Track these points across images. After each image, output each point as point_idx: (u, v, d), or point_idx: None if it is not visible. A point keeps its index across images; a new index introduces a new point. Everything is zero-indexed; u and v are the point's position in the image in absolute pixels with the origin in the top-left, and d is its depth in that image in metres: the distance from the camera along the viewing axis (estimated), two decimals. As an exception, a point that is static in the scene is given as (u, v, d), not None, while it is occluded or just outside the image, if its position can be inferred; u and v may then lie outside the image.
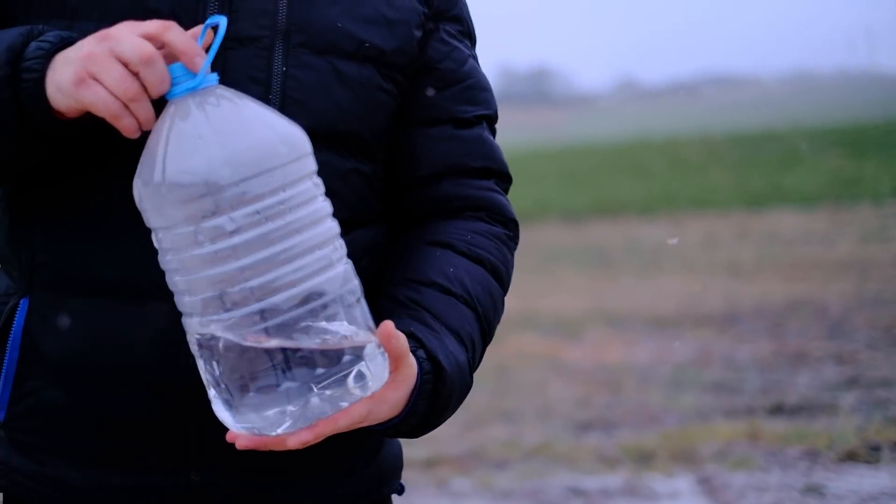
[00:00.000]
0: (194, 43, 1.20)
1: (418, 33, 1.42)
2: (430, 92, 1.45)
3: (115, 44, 1.19)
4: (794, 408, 5.31)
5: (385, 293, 1.38)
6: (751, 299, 8.23)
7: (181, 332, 1.23)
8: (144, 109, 1.20)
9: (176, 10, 1.30)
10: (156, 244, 1.20)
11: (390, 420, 1.28)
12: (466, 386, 1.37)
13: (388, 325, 1.21)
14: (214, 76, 1.20)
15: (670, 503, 4.30)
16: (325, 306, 1.17)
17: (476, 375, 1.40)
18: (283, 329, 1.15)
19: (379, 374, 1.21)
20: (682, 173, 18.08)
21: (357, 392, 1.19)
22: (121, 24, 1.21)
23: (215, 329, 1.16)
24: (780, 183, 16.38)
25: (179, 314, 1.21)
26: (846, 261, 9.71)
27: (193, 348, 1.20)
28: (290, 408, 1.17)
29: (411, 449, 4.74)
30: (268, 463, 1.34)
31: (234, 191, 1.13)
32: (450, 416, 1.36)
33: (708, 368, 6.25)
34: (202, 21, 1.28)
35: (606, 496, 4.38)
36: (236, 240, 1.14)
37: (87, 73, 1.18)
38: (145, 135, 1.21)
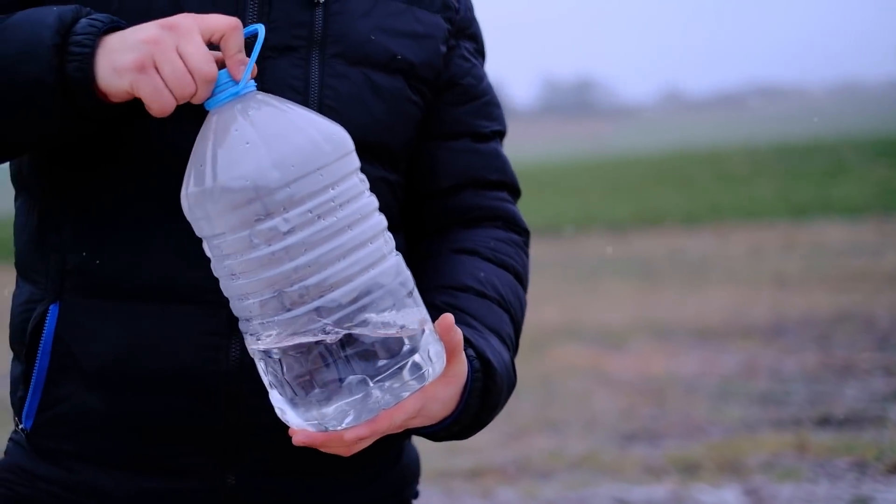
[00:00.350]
0: (244, 54, 1.23)
1: (443, 48, 1.47)
2: (455, 108, 1.49)
3: (182, 41, 1.20)
4: (841, 419, 5.27)
5: None
6: (797, 311, 8.16)
7: (220, 336, 1.24)
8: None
9: None
10: (208, 252, 1.21)
11: (443, 420, 1.30)
12: (512, 384, 1.40)
13: (449, 317, 1.24)
14: (252, 83, 1.23)
15: (717, 514, 4.28)
16: (380, 298, 1.19)
17: (520, 385, 1.42)
18: (342, 324, 1.17)
19: (436, 361, 1.23)
20: (728, 184, 17.94)
21: (415, 382, 1.20)
22: (186, 16, 1.22)
23: (276, 330, 1.18)
24: (826, 194, 16.22)
25: (218, 317, 1.22)
26: (894, 272, 9.60)
27: (254, 352, 1.21)
28: (354, 401, 1.18)
29: (456, 458, 4.77)
30: (302, 464, 1.36)
31: (286, 192, 1.16)
32: (496, 415, 1.38)
33: (754, 380, 6.20)
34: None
35: (652, 507, 4.37)
36: (291, 240, 1.16)
37: (152, 59, 1.19)
38: (180, 131, 1.23)
